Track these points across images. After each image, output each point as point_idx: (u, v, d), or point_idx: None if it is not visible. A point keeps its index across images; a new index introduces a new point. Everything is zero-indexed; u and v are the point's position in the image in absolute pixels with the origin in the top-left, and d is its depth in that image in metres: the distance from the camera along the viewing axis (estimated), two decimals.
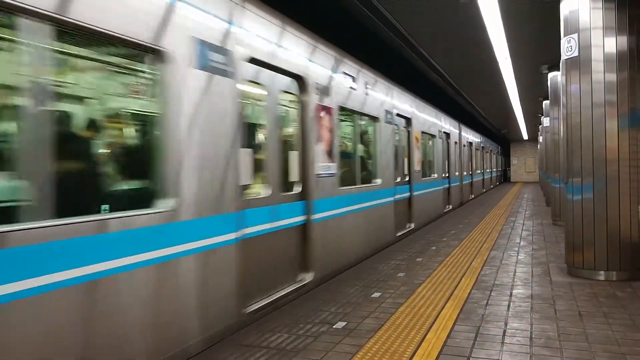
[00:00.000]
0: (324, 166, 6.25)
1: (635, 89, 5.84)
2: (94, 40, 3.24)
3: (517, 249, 8.30)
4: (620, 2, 5.75)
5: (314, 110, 5.99)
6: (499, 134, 36.47)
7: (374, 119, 8.55)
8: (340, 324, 4.45)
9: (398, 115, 9.94)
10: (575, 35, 5.97)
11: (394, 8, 7.60)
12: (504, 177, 42.12)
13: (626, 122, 5.79)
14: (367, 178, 8.25)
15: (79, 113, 3.66)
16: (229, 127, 4.30)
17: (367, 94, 7.99)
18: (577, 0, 5.96)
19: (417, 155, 11.16)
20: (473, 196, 20.73)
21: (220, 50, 4.20)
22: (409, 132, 10.88)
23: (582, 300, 5.10)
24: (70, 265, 2.85)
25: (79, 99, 3.69)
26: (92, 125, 3.75)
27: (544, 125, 15.74)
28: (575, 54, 5.97)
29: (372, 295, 5.41)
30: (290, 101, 5.74)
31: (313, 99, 5.98)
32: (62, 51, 3.18)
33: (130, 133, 4.07)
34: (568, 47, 6.05)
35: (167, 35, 3.59)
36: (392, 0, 7.18)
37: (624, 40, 5.76)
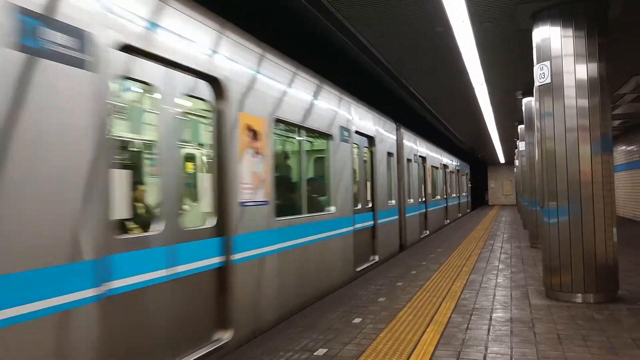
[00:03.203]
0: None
1: (606, 114, 6.00)
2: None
3: (496, 272, 8.35)
4: (590, 30, 5.94)
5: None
6: (477, 157, 36.87)
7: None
8: (321, 351, 4.40)
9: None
10: (547, 63, 6.13)
11: (370, 35, 7.72)
12: (479, 201, 42.31)
13: (598, 146, 5.92)
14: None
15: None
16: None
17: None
18: (548, 28, 6.15)
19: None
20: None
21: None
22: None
23: (561, 323, 5.14)
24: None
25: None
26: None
27: (520, 149, 16.01)
28: (548, 80, 6.12)
29: (353, 321, 5.37)
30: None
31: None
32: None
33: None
34: (541, 74, 6.21)
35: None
36: (370, 26, 7.29)
37: (594, 67, 5.93)
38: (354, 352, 4.34)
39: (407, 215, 12.82)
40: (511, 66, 9.65)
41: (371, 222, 9.62)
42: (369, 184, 9.73)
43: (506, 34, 7.57)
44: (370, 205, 9.65)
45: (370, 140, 9.78)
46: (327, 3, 6.31)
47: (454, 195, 23.57)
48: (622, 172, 20.69)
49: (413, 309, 5.83)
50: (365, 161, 9.67)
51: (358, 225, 8.64)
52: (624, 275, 6.73)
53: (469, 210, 31.46)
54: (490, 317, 5.44)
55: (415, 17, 6.91)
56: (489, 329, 4.96)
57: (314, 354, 4.34)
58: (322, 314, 5.73)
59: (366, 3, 6.36)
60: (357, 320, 5.42)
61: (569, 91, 5.99)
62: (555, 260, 6.14)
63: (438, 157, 19.01)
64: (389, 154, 11.32)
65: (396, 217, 11.73)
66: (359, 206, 8.90)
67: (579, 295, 5.97)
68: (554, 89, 6.08)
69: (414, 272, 8.46)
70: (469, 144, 27.56)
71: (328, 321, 5.40)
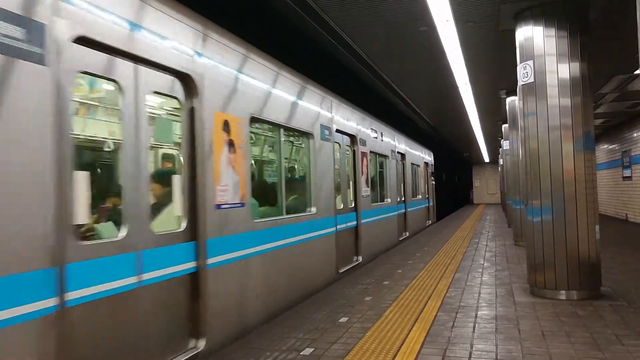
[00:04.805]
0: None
1: (588, 113, 6.07)
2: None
3: (481, 270, 8.41)
4: (572, 30, 6.00)
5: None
6: (461, 157, 37.10)
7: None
8: (307, 351, 4.39)
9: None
10: (530, 62, 6.18)
11: (355, 34, 7.72)
12: (465, 200, 42.50)
13: (581, 144, 5.99)
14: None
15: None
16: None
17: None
18: (531, 28, 6.20)
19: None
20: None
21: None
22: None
23: (545, 320, 5.19)
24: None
25: None
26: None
27: (504, 148, 16.15)
28: (531, 79, 6.18)
29: (340, 320, 5.37)
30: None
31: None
32: None
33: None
34: (524, 73, 6.26)
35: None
36: (354, 26, 7.29)
37: (576, 66, 6.00)
38: (340, 352, 4.34)
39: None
40: (495, 65, 9.72)
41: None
42: None
43: (490, 34, 7.62)
44: None
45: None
46: (313, 3, 6.30)
47: (389, 200, 12.69)
48: (604, 170, 20.97)
49: (399, 308, 5.84)
50: None
51: None
52: (606, 272, 6.82)
53: (430, 222, 19.82)
54: (476, 314, 5.48)
55: (399, 16, 6.92)
56: (474, 327, 4.99)
57: (301, 353, 4.33)
58: (308, 313, 5.72)
59: (351, 1, 6.36)
60: (343, 319, 5.42)
61: (552, 90, 6.04)
62: (539, 257, 6.20)
63: (336, 117, 8.56)
64: None
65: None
66: None
67: (563, 292, 6.03)
68: (537, 88, 6.13)
69: (399, 271, 8.49)
70: (454, 142, 27.54)
71: (314, 321, 5.39)
